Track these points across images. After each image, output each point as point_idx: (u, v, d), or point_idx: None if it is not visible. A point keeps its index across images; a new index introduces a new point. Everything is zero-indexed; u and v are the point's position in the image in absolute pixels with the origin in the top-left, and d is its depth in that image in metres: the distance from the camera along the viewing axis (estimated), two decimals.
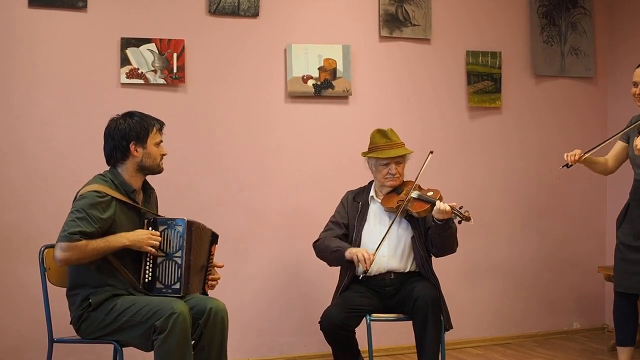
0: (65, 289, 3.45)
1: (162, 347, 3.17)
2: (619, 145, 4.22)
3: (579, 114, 5.48)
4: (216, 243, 3.63)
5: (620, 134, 4.14)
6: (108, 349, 3.64)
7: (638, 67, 4.07)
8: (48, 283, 3.50)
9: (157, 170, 3.50)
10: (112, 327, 3.28)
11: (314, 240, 4.05)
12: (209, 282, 3.61)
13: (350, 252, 3.81)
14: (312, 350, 4.76)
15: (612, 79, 5.51)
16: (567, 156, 4.05)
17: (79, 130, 4.34)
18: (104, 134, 3.44)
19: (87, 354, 4.19)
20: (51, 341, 3.46)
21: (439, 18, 5.09)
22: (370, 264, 3.76)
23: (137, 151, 3.40)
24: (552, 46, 5.38)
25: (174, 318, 3.16)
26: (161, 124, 3.51)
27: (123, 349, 3.35)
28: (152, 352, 3.25)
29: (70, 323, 3.40)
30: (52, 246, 3.48)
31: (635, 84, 4.05)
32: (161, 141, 3.49)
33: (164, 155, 3.50)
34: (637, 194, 4.10)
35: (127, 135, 3.38)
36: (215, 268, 3.64)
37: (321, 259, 4.03)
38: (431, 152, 3.96)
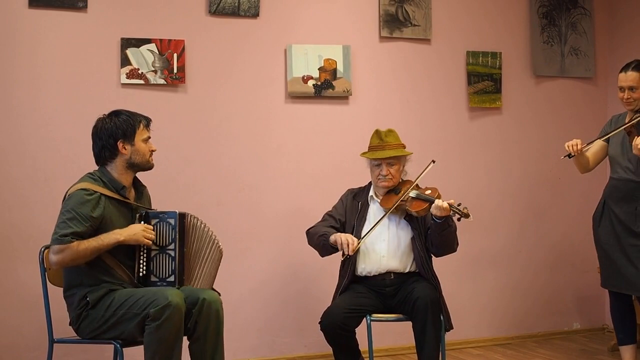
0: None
1: (154, 335, 3.17)
2: (599, 144, 4.26)
3: (579, 114, 5.48)
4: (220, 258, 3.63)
5: (608, 135, 4.16)
6: (108, 349, 3.65)
7: (621, 71, 4.10)
8: (48, 283, 3.51)
9: (147, 166, 3.50)
10: (111, 322, 3.28)
11: (308, 228, 4.06)
12: None
13: (335, 236, 3.83)
14: (312, 351, 4.76)
15: (612, 79, 5.49)
16: (569, 146, 4.09)
17: (79, 131, 4.33)
18: (92, 134, 3.46)
19: (87, 354, 4.19)
20: (51, 341, 3.46)
21: (439, 18, 5.09)
22: (354, 250, 3.77)
23: (125, 149, 3.41)
24: (552, 46, 5.38)
25: (169, 310, 3.16)
26: (148, 120, 3.51)
27: (123, 349, 3.35)
28: None
29: (70, 324, 3.41)
30: None
31: (622, 89, 4.08)
32: (149, 137, 3.50)
33: (153, 151, 3.51)
34: (615, 192, 4.15)
35: (114, 133, 3.40)
36: None
37: (311, 245, 4.04)
38: (433, 162, 3.94)
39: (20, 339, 4.22)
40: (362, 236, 3.87)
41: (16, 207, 4.25)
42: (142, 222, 3.42)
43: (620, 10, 5.51)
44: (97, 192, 3.31)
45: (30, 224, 4.24)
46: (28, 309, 4.19)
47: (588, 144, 4.13)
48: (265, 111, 4.74)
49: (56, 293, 3.54)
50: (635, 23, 5.38)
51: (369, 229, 3.89)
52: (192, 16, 4.58)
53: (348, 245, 3.75)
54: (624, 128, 4.01)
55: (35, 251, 3.56)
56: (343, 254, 3.80)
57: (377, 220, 3.96)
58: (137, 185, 3.56)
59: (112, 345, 3.43)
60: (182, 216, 3.45)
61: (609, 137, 4.19)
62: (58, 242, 3.21)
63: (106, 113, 3.49)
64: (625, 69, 4.08)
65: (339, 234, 3.85)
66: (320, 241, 3.92)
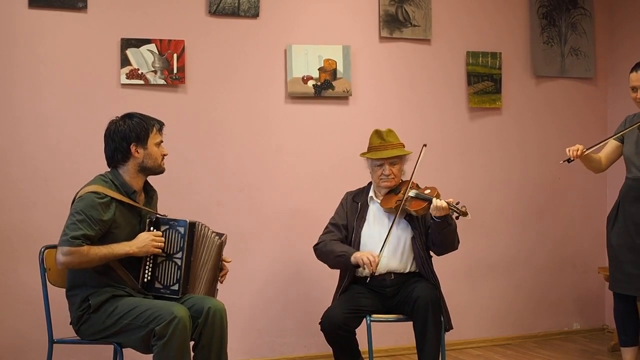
0: (64, 289, 3.45)
1: (161, 353, 3.17)
2: (612, 144, 4.24)
3: (578, 114, 5.49)
4: (225, 244, 3.60)
5: (619, 134, 4.15)
6: (108, 349, 3.64)
7: (632, 71, 4.07)
8: (48, 283, 3.51)
9: (158, 170, 3.49)
10: (112, 330, 3.29)
11: (315, 244, 4.05)
12: (220, 278, 3.59)
13: (356, 257, 3.81)
14: (312, 351, 4.76)
15: (612, 79, 5.51)
16: (569, 151, 4.06)
17: (79, 131, 4.34)
18: (104, 136, 3.44)
19: (87, 355, 4.19)
20: (51, 342, 3.46)
21: (439, 19, 5.09)
22: (377, 266, 3.77)
23: (138, 152, 3.40)
24: (552, 47, 5.38)
25: (174, 324, 3.16)
26: (161, 124, 3.51)
27: (123, 349, 3.35)
28: (151, 355, 3.25)
29: (70, 323, 3.41)
30: (53, 247, 3.49)
31: (634, 89, 4.05)
32: (162, 141, 3.49)
33: (165, 155, 3.50)
34: (630, 191, 4.13)
35: (128, 136, 3.38)
36: (224, 263, 3.60)
37: (323, 261, 4.03)
38: (424, 145, 3.94)
39: (20, 339, 4.22)
40: (381, 248, 3.84)
41: (16, 207, 4.25)
42: (152, 228, 3.40)
43: (620, 10, 5.51)
44: (107, 195, 3.30)
45: (30, 224, 4.24)
46: (28, 309, 4.18)
47: (589, 148, 4.10)
48: (265, 111, 4.74)
49: (56, 293, 3.54)
50: (635, 23, 5.38)
51: (381, 240, 3.87)
52: (192, 16, 4.58)
53: (371, 264, 3.74)
54: (638, 127, 4.00)
55: (35, 251, 3.56)
56: (370, 274, 3.78)
57: (377, 222, 4.00)
58: (148, 189, 3.56)
59: (112, 346, 3.43)
60: (192, 225, 3.42)
61: (623, 137, 4.16)
62: (68, 244, 3.20)
63: (119, 115, 3.47)
64: (636, 68, 4.05)
65: (358, 254, 3.82)
66: (338, 262, 3.92)
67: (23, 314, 4.22)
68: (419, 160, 3.92)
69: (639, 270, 4.03)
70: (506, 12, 5.30)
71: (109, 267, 3.32)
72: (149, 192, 3.56)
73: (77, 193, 3.37)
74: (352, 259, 3.82)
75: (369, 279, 3.82)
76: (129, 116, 3.45)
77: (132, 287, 3.38)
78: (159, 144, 3.47)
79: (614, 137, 4.19)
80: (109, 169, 3.47)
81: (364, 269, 3.79)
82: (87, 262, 3.23)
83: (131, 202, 3.39)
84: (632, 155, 4.12)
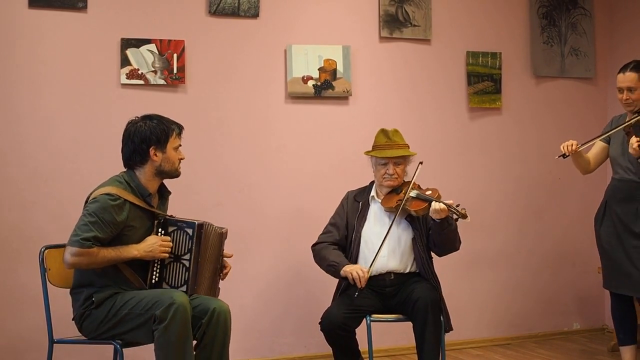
0: (68, 287, 3.45)
1: (163, 337, 3.17)
2: (599, 145, 4.27)
3: (578, 114, 5.49)
4: (225, 238, 3.60)
5: (605, 135, 4.17)
6: (108, 349, 3.64)
7: (619, 72, 4.10)
8: (48, 284, 3.51)
9: (174, 174, 3.48)
10: (113, 321, 3.28)
11: (313, 243, 4.06)
12: (221, 275, 3.59)
13: (345, 271, 3.81)
14: (312, 351, 4.76)
15: (612, 80, 5.47)
16: (564, 147, 4.10)
17: (79, 131, 4.34)
18: (123, 136, 3.41)
19: (87, 355, 4.19)
20: (51, 342, 3.47)
21: (439, 19, 5.09)
22: (365, 282, 3.76)
23: (156, 155, 3.38)
24: (552, 47, 5.38)
25: (174, 308, 3.15)
26: (180, 128, 3.48)
27: (123, 349, 3.34)
28: (152, 353, 3.25)
29: (73, 319, 3.41)
30: (53, 247, 3.50)
31: (620, 90, 4.08)
32: (180, 145, 3.47)
33: (181, 159, 3.49)
34: (617, 192, 4.15)
35: (148, 139, 3.36)
36: (225, 259, 3.60)
37: (317, 264, 4.04)
38: (420, 163, 3.96)
39: (20, 340, 4.22)
40: (370, 265, 3.84)
41: (16, 207, 4.25)
42: (160, 229, 3.40)
43: (620, 11, 5.51)
44: (121, 197, 3.29)
45: (30, 224, 4.24)
46: (28, 309, 4.19)
47: (584, 144, 4.13)
48: (265, 111, 4.74)
49: (56, 293, 3.54)
50: (635, 23, 5.38)
51: (379, 242, 3.88)
52: (192, 16, 4.58)
53: (360, 280, 3.74)
54: (623, 128, 4.02)
55: (35, 251, 3.56)
56: (358, 290, 3.77)
57: (378, 221, 4.00)
58: (163, 191, 3.54)
59: (112, 346, 3.42)
60: (201, 227, 3.41)
61: (609, 139, 4.19)
62: (79, 245, 3.19)
63: (138, 116, 3.45)
64: (623, 69, 4.09)
65: (348, 268, 3.81)
66: (329, 270, 3.93)
67: (23, 314, 4.22)
68: (415, 176, 3.93)
69: (631, 269, 4.05)
70: (506, 12, 5.30)
71: (116, 268, 3.32)
72: (164, 194, 3.55)
73: (91, 194, 3.34)
74: (342, 272, 3.82)
75: (357, 294, 3.79)
76: (149, 117, 3.42)
77: (139, 288, 3.37)
78: (177, 148, 3.45)
79: (600, 138, 4.21)
80: (113, 169, 3.46)
81: (353, 283, 3.78)
82: (96, 263, 3.23)
83: (145, 205, 3.38)
84: (618, 157, 4.15)
